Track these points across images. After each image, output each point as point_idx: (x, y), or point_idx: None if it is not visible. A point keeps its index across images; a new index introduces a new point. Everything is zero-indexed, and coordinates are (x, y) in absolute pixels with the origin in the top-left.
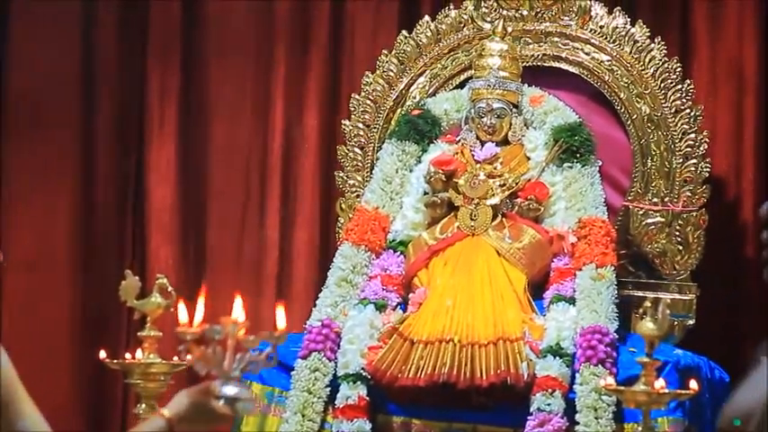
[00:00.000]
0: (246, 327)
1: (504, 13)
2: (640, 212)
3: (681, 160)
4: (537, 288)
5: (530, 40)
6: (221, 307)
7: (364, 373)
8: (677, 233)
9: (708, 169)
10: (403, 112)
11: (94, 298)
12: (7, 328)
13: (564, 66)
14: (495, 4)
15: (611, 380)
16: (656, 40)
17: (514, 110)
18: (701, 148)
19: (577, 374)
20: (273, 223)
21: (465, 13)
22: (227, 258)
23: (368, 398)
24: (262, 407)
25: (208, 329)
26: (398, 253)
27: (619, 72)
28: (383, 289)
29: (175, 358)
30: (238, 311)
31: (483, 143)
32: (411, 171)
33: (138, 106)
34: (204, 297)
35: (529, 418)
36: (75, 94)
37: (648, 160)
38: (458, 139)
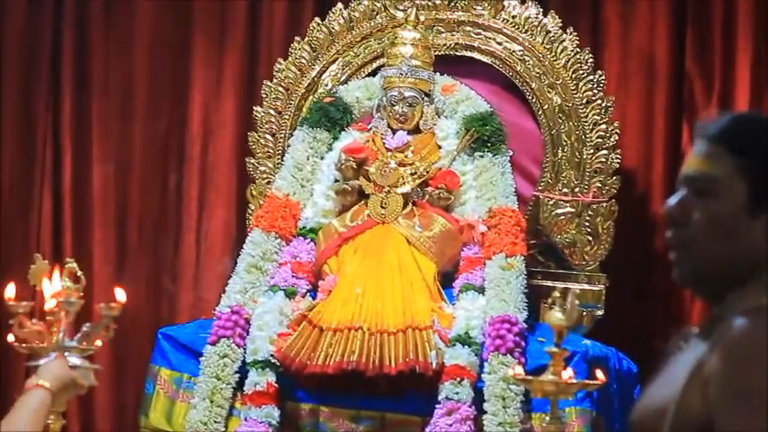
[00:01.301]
0: (78, 295)
1: (417, 1)
2: (550, 202)
3: (591, 151)
4: (447, 277)
5: (442, 29)
6: (140, 291)
7: (273, 360)
8: (587, 224)
9: (618, 160)
10: (315, 100)
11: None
12: None
13: (476, 55)
14: None
15: (519, 369)
16: (568, 31)
17: (426, 98)
18: (612, 139)
19: (486, 363)
20: (191, 210)
21: (378, 1)
22: (145, 244)
23: (276, 385)
24: (170, 392)
25: (63, 303)
26: (309, 240)
27: (530, 62)
28: (293, 276)
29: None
30: (56, 286)
31: (394, 131)
32: (322, 158)
33: (52, 92)
34: (62, 274)
35: (437, 406)
36: None
37: (559, 150)
38: (369, 126)
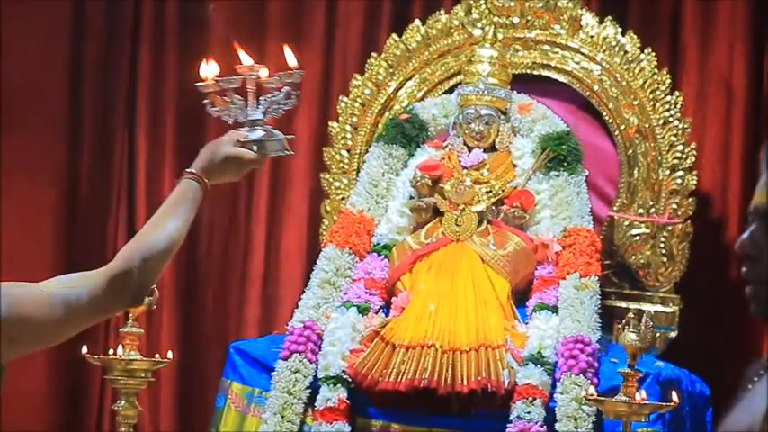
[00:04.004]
0: (263, 69)
1: (495, 19)
2: (625, 223)
3: (667, 172)
4: (520, 296)
5: (520, 48)
6: (208, 304)
7: (345, 376)
8: (662, 245)
9: (694, 182)
10: (391, 116)
11: None
12: None
13: (553, 74)
14: (486, 11)
15: (592, 390)
16: (645, 51)
17: (502, 117)
18: (688, 161)
19: (558, 383)
20: (260, 224)
21: (455, 19)
22: (214, 259)
23: (348, 401)
24: (241, 406)
25: (226, 79)
26: (382, 256)
27: (608, 82)
28: (366, 292)
29: (157, 355)
30: (246, 59)
31: (470, 149)
32: (397, 175)
33: (128, 105)
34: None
35: (508, 425)
36: (62, 90)
37: (635, 171)
38: (445, 144)
